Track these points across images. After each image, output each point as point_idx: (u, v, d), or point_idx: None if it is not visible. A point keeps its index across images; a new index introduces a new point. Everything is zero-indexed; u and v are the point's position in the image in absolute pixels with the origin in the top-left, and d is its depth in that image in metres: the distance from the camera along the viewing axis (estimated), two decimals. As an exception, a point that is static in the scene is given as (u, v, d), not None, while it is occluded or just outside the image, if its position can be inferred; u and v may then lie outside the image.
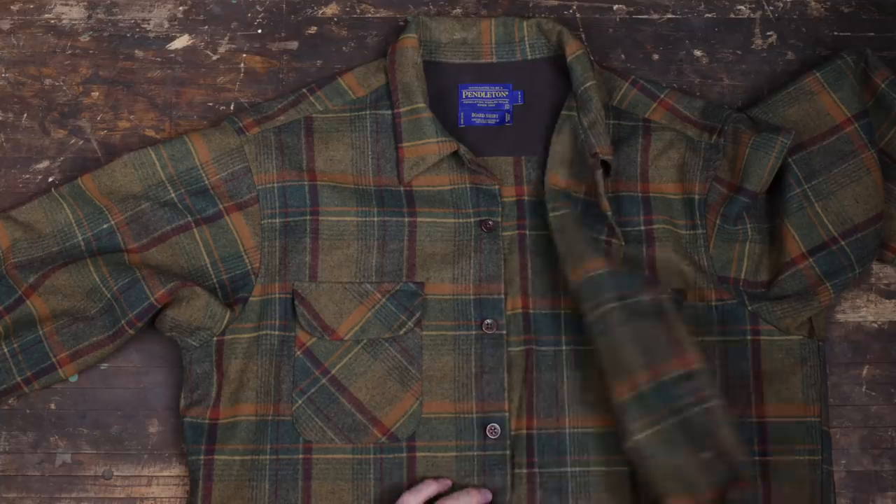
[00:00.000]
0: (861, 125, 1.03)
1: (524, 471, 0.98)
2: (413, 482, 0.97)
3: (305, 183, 1.03)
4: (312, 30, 1.11)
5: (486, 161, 1.04)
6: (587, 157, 1.01)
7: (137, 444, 1.02)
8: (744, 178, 1.00)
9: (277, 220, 1.02)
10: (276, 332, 1.00)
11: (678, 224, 1.03)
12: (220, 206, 1.02)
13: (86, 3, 1.11)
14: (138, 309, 0.97)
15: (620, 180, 1.03)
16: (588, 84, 1.02)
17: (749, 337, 1.01)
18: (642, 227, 1.02)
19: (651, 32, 1.11)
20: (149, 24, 1.11)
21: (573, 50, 1.03)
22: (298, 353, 0.99)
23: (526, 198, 1.04)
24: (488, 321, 1.00)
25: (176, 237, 1.01)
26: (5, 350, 0.98)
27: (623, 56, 1.11)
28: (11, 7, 1.11)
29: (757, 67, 1.10)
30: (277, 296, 1.01)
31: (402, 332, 1.00)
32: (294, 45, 1.11)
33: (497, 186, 1.02)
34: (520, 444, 0.98)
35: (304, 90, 1.06)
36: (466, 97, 1.06)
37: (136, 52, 1.10)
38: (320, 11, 1.11)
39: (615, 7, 1.12)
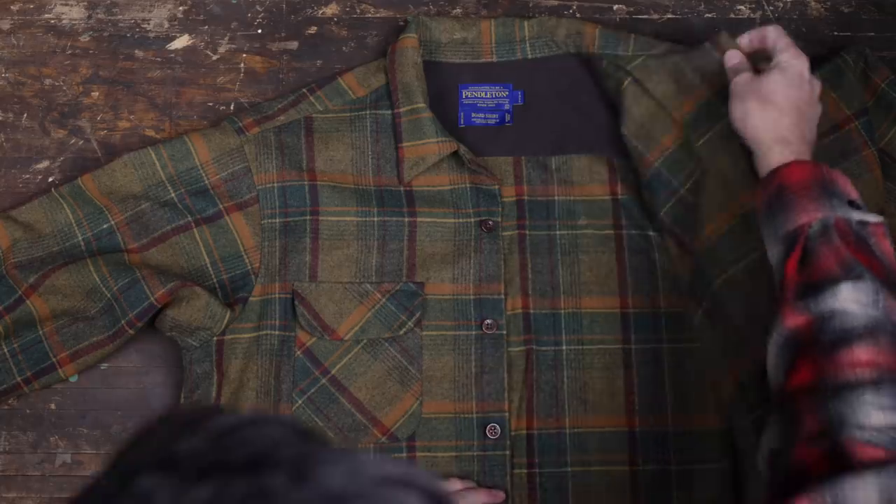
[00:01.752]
0: (861, 123, 1.03)
1: (524, 471, 0.98)
2: None
3: (305, 183, 1.02)
4: (312, 30, 1.11)
5: (485, 161, 1.04)
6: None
7: (137, 444, 1.02)
8: None
9: (277, 220, 1.02)
10: (276, 332, 1.00)
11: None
12: (220, 206, 1.02)
13: (86, 3, 1.11)
14: (138, 309, 0.97)
15: None
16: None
17: None
18: None
19: (651, 32, 1.11)
20: (149, 24, 1.11)
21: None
22: (298, 353, 0.99)
23: (526, 197, 1.04)
24: (488, 321, 1.00)
25: (176, 237, 1.01)
26: (5, 350, 0.98)
27: (623, 56, 1.11)
28: (11, 7, 1.10)
29: (757, 67, 1.10)
30: (277, 296, 1.01)
31: (402, 332, 1.00)
32: (294, 45, 1.11)
33: (497, 186, 1.02)
34: (520, 444, 0.98)
35: (305, 90, 1.06)
36: (466, 97, 1.06)
37: (136, 52, 1.10)
38: (320, 11, 1.11)
39: (615, 7, 1.12)
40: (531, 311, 1.01)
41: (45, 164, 1.07)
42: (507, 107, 1.06)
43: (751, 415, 0.93)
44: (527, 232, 1.03)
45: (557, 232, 1.03)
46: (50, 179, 1.07)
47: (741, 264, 0.97)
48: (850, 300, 0.76)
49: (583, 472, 0.98)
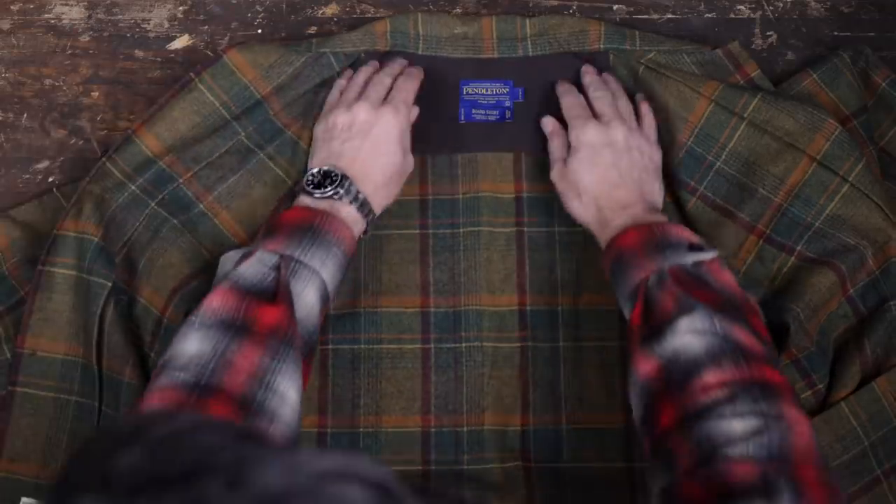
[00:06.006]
0: (860, 122, 1.03)
1: (520, 464, 0.97)
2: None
3: None
4: (312, 30, 1.11)
5: (485, 157, 1.04)
6: None
7: (137, 444, 1.02)
8: None
9: None
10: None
11: None
12: None
13: (86, 3, 1.11)
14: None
15: None
16: None
17: None
18: None
19: (651, 32, 1.11)
20: (149, 24, 1.11)
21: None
22: None
23: (525, 194, 1.04)
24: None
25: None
26: (7, 354, 0.98)
27: (623, 55, 1.11)
28: (11, 7, 1.11)
29: (757, 67, 1.10)
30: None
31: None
32: (294, 45, 1.11)
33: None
34: (514, 439, 0.98)
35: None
36: (467, 93, 1.06)
37: (136, 52, 1.10)
38: (320, 11, 1.11)
39: (615, 7, 1.12)
40: (528, 308, 1.01)
41: (45, 164, 1.07)
42: (507, 103, 1.06)
43: None
44: (525, 229, 1.03)
45: (556, 229, 1.03)
46: (50, 179, 1.07)
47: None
48: (688, 332, 0.78)
49: (579, 468, 0.97)
